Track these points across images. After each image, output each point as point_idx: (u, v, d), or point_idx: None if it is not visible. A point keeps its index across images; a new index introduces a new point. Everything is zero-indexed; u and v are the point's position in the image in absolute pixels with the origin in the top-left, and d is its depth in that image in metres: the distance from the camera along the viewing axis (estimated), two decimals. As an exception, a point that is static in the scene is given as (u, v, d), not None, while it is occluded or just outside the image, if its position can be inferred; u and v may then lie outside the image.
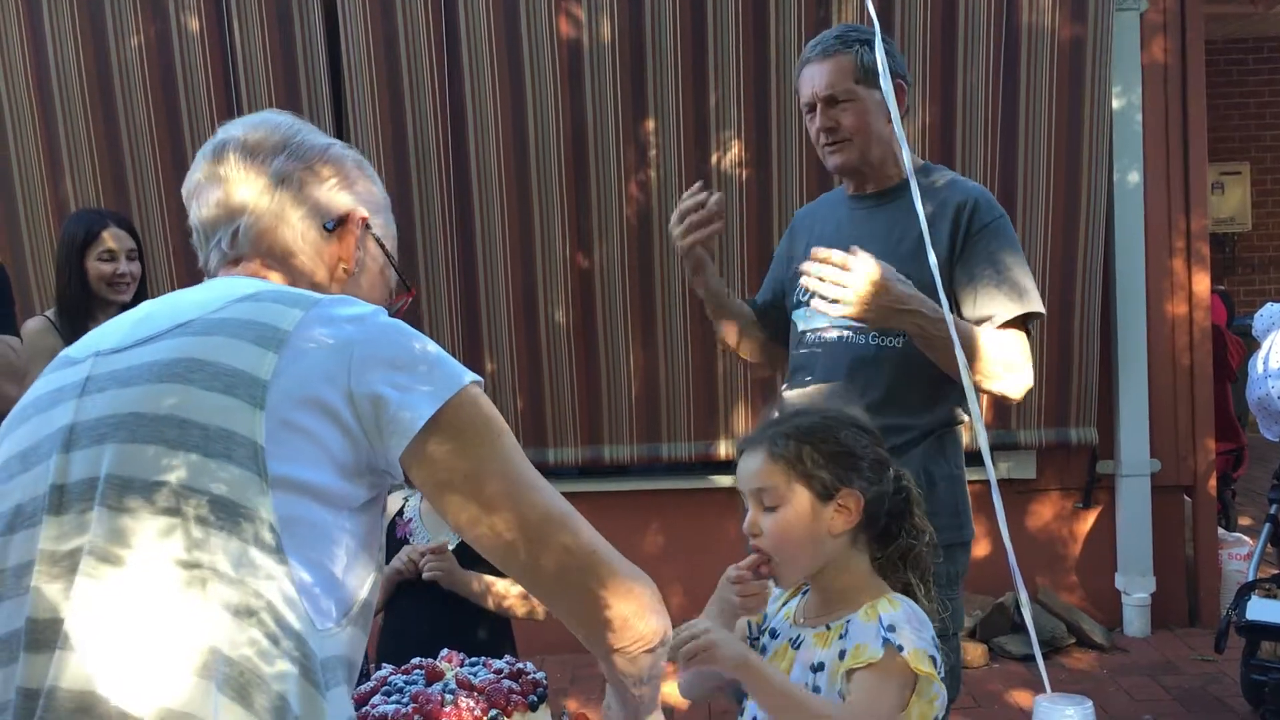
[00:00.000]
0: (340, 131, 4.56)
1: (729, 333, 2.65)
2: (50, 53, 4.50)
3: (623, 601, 1.29)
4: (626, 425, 4.65)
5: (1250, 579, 3.92)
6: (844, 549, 1.67)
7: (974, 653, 4.43)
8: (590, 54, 4.50)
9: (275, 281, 1.38)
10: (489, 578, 2.59)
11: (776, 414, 1.78)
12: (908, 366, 2.27)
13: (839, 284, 2.11)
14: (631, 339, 4.61)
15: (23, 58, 4.51)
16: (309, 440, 1.19)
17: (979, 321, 2.30)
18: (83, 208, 4.18)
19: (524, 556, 1.27)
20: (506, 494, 1.26)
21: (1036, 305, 2.33)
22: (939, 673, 1.58)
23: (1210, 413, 4.81)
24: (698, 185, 2.45)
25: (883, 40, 2.32)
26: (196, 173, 1.42)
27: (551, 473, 4.69)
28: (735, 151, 4.54)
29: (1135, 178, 4.63)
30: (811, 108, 2.40)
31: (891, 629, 1.58)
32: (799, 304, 2.45)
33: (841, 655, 1.61)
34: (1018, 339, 2.30)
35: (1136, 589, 4.71)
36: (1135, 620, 4.72)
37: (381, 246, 1.48)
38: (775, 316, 2.62)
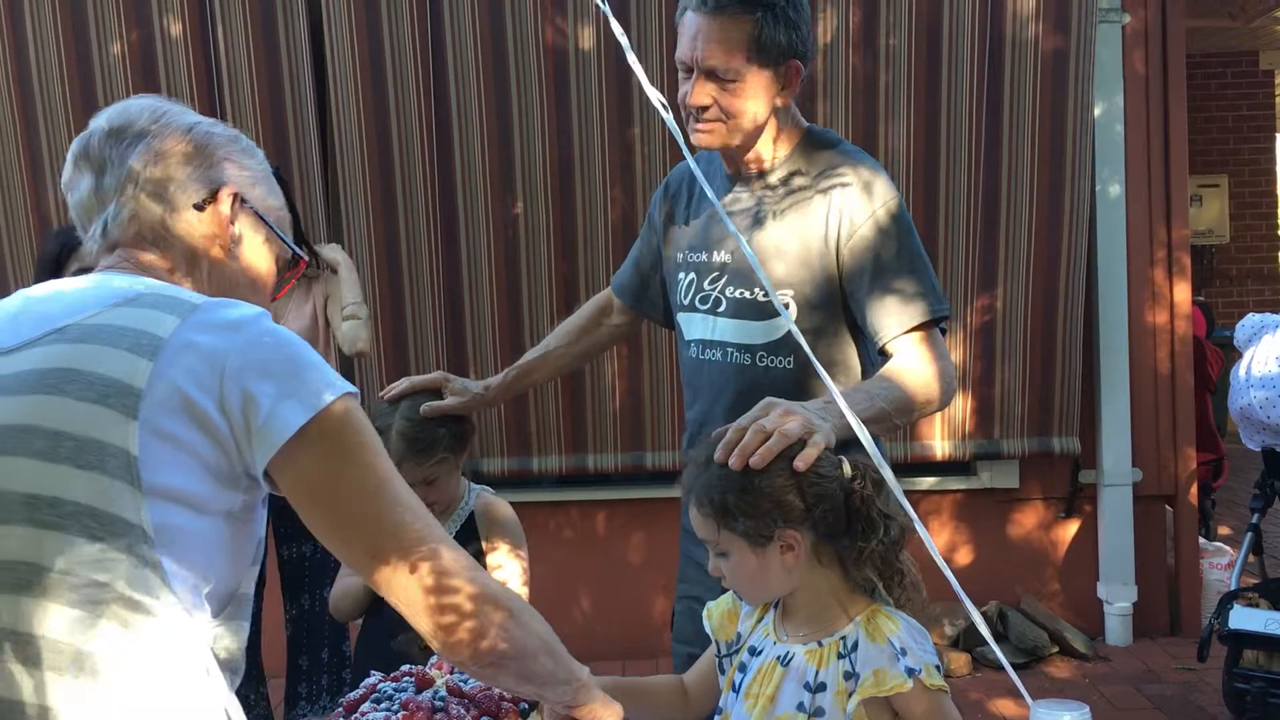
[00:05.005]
0: (325, 135, 4.54)
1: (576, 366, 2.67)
2: (32, 57, 4.45)
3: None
4: (611, 434, 4.63)
5: (1233, 588, 3.94)
6: (810, 570, 1.64)
7: (957, 661, 4.43)
8: (575, 60, 4.51)
9: (153, 266, 1.39)
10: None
11: (700, 448, 1.68)
12: (799, 390, 2.03)
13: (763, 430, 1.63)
14: (615, 348, 4.59)
15: (4, 62, 4.44)
16: (182, 449, 1.21)
17: (880, 330, 2.04)
18: (64, 224, 4.12)
19: (375, 574, 1.28)
20: (364, 512, 1.27)
21: (941, 309, 2.06)
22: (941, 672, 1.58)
23: (1191, 422, 4.83)
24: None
25: (788, 6, 2.01)
26: (69, 165, 1.43)
27: (535, 482, 4.69)
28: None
29: (1117, 188, 4.65)
30: (687, 70, 2.04)
31: (904, 652, 1.57)
32: (681, 306, 2.27)
33: (847, 676, 1.59)
34: (922, 360, 2.02)
35: (1118, 598, 4.72)
36: (1117, 629, 4.73)
37: (263, 220, 1.48)
38: (647, 291, 2.46)
